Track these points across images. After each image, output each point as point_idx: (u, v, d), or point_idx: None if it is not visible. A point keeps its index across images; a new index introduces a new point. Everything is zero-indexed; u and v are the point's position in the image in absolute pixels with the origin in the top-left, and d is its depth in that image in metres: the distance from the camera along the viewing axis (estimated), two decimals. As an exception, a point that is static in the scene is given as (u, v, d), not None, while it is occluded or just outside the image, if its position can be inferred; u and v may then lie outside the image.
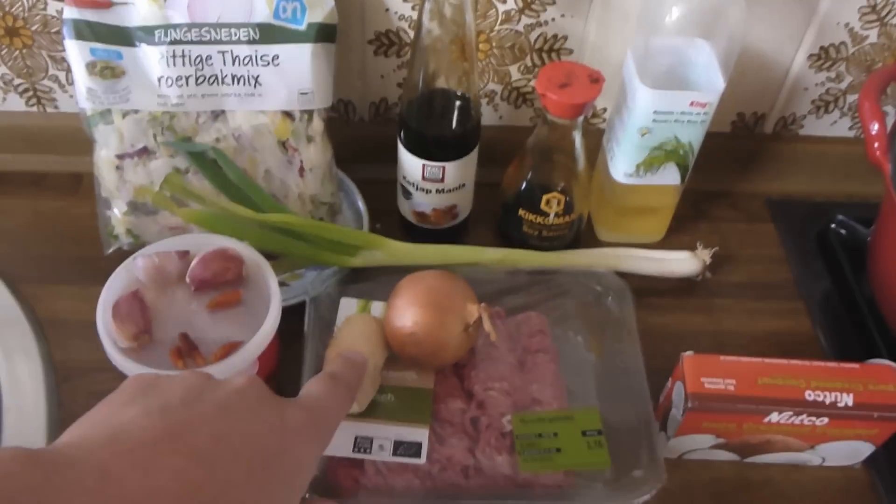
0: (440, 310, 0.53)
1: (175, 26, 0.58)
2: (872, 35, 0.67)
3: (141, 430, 0.30)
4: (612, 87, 0.64)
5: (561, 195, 0.63)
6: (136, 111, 0.59)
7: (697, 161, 0.64)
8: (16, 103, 0.72)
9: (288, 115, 0.61)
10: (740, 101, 0.73)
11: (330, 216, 0.66)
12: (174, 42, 0.58)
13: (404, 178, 0.64)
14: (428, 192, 0.63)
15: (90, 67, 0.58)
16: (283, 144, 0.61)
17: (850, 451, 0.55)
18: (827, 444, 0.54)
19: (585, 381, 0.57)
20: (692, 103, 0.58)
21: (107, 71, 0.58)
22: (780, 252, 0.71)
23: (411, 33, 0.67)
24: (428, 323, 0.52)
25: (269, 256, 0.54)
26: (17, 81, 0.70)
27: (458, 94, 0.60)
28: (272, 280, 0.51)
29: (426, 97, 0.60)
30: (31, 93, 0.71)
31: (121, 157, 0.60)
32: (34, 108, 0.73)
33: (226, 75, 0.59)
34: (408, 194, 0.64)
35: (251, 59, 0.59)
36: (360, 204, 0.68)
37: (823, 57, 0.69)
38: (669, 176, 0.64)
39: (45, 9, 0.65)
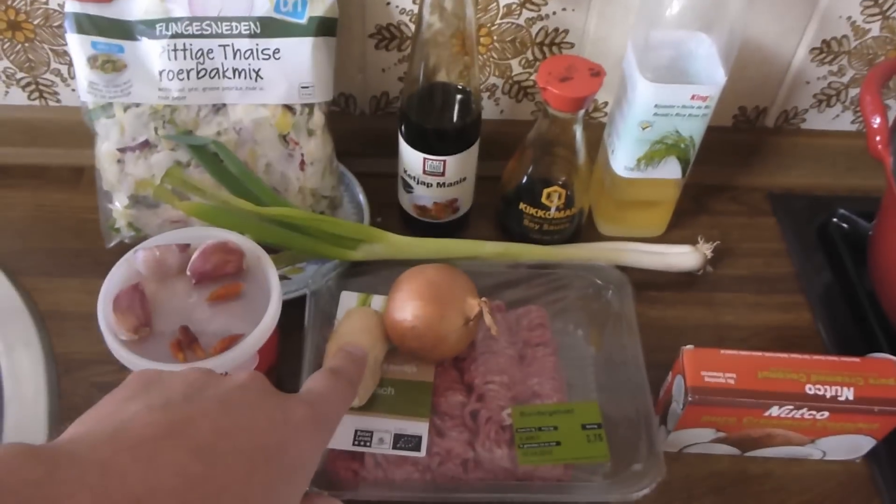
0: (440, 303, 0.53)
1: (176, 20, 0.58)
2: (874, 28, 0.67)
3: (143, 426, 0.30)
4: (613, 81, 0.64)
5: (562, 189, 0.63)
6: (138, 105, 0.60)
7: (699, 155, 0.64)
8: (18, 97, 0.72)
9: (289, 108, 0.61)
10: (742, 95, 0.73)
11: (331, 210, 0.66)
12: (175, 36, 0.58)
13: (405, 171, 0.64)
14: (429, 185, 0.63)
15: (91, 61, 0.58)
16: (284, 138, 0.61)
17: (850, 446, 0.55)
18: (827, 438, 0.54)
19: (585, 374, 0.58)
20: (693, 97, 0.58)
21: (108, 64, 0.58)
22: (782, 246, 0.71)
23: (412, 27, 0.67)
24: (428, 316, 0.52)
25: (271, 250, 0.54)
26: (19, 75, 0.71)
27: (459, 87, 0.60)
28: (272, 273, 0.51)
29: (427, 91, 0.60)
30: (33, 86, 0.72)
31: (122, 150, 0.60)
32: (36, 102, 0.73)
33: (227, 69, 0.59)
34: (409, 188, 0.64)
35: (252, 52, 0.59)
36: (361, 197, 0.68)
37: (825, 50, 0.69)
38: (670, 170, 0.63)
39: (46, 3, 0.65)
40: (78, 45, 0.58)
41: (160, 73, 0.59)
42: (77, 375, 0.59)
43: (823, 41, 0.68)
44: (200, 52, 0.58)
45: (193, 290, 0.51)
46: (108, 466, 0.28)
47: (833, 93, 0.73)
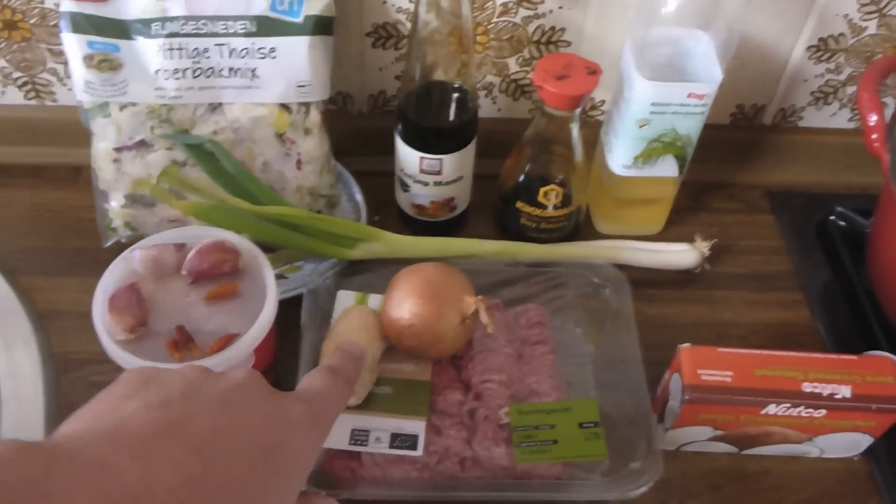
0: (438, 302, 0.53)
1: (172, 19, 0.58)
2: (872, 26, 0.67)
3: (142, 424, 0.30)
4: (610, 79, 0.64)
5: (559, 187, 0.63)
6: (134, 104, 0.59)
7: (697, 153, 0.64)
8: (15, 96, 0.72)
9: (285, 107, 0.61)
10: (740, 93, 0.73)
11: (328, 208, 0.66)
12: (171, 35, 0.58)
13: (402, 170, 0.64)
14: (426, 184, 0.63)
15: (88, 60, 0.58)
16: (281, 137, 0.61)
17: (848, 443, 0.55)
18: (825, 436, 0.54)
19: (584, 372, 0.58)
20: (690, 95, 0.58)
21: (104, 64, 0.58)
22: (780, 243, 0.71)
23: (409, 25, 0.67)
24: (426, 315, 0.52)
25: (268, 249, 0.54)
26: (15, 74, 0.70)
27: (456, 86, 0.60)
28: (269, 272, 0.51)
29: (423, 90, 0.60)
30: (29, 86, 0.71)
31: (119, 149, 0.60)
32: (33, 101, 0.73)
33: (223, 68, 0.59)
34: (406, 187, 0.64)
35: (248, 51, 0.59)
36: (359, 196, 0.68)
37: (823, 48, 0.69)
38: (668, 168, 0.63)
39: (43, 2, 0.65)
40: (74, 45, 0.58)
41: (156, 72, 0.59)
42: (75, 375, 0.58)
43: (821, 39, 0.68)
44: (196, 51, 0.58)
45: (190, 289, 0.51)
46: (107, 464, 0.28)
47: (830, 90, 0.73)
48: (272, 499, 0.32)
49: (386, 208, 0.69)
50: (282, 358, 0.55)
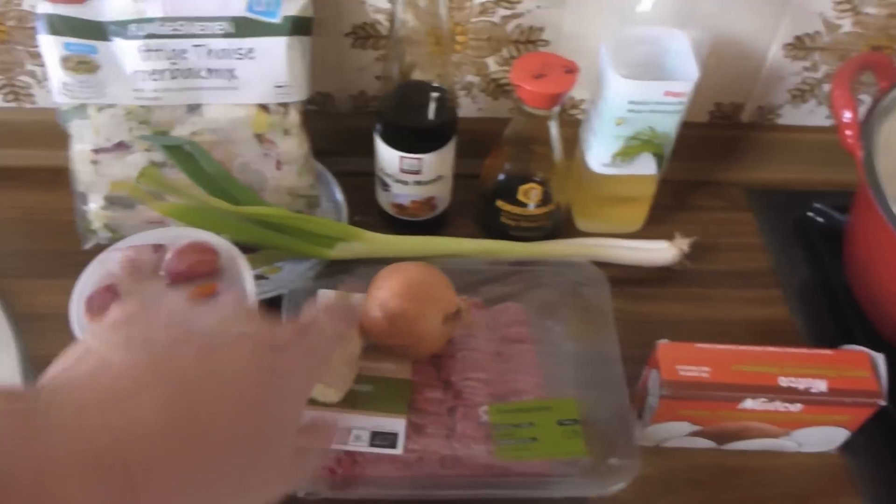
0: (418, 301, 0.53)
1: (150, 20, 0.58)
2: (846, 24, 0.67)
3: (122, 365, 0.30)
4: (590, 78, 0.64)
5: (538, 186, 0.64)
6: (112, 105, 0.59)
7: (677, 151, 0.64)
8: (-7, 99, 0.72)
9: (264, 108, 0.61)
10: (718, 91, 0.73)
11: (309, 209, 0.66)
12: (149, 36, 0.58)
13: (382, 170, 0.64)
14: (406, 183, 0.63)
15: (65, 62, 0.58)
16: (260, 137, 0.61)
17: (825, 437, 0.55)
18: (802, 430, 0.54)
19: (564, 370, 0.58)
20: (667, 93, 0.58)
21: (81, 65, 0.58)
22: (760, 240, 0.71)
23: (388, 25, 0.67)
24: (406, 314, 0.52)
25: (249, 250, 0.54)
26: (-7, 77, 0.70)
27: (434, 85, 0.60)
28: (247, 272, 0.51)
29: (402, 89, 0.60)
30: (8, 88, 0.71)
31: (97, 151, 0.60)
32: (12, 104, 0.72)
33: (201, 69, 0.59)
34: (386, 186, 0.65)
35: (226, 52, 0.59)
36: (339, 196, 0.68)
37: (799, 46, 0.69)
38: (646, 165, 0.64)
39: (20, 4, 0.64)
40: (51, 47, 0.58)
41: (134, 73, 0.59)
42: (54, 378, 0.58)
43: (797, 37, 0.69)
44: (174, 53, 0.58)
45: (168, 290, 0.51)
46: (87, 406, 0.28)
47: (807, 88, 0.73)
48: (263, 430, 0.32)
49: (368, 208, 0.69)
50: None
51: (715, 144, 0.76)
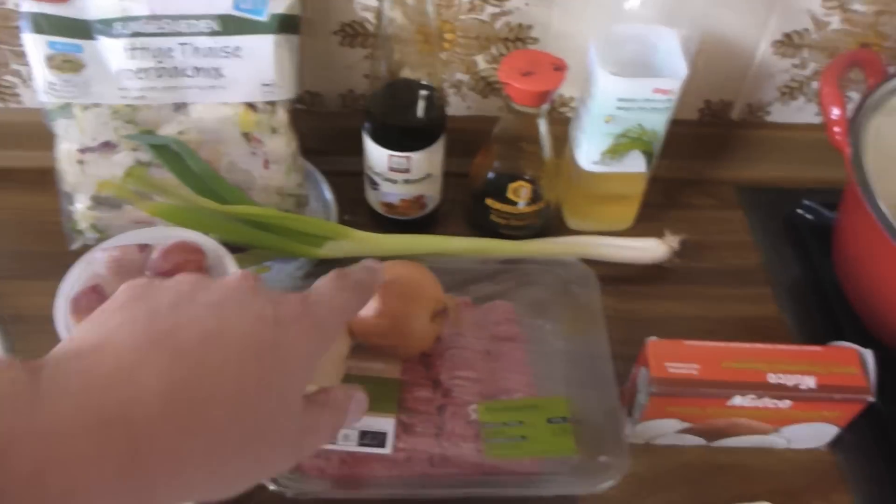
0: (407, 300, 0.53)
1: (135, 18, 0.57)
2: (835, 21, 0.68)
3: (126, 335, 0.31)
4: (579, 76, 0.64)
5: (528, 184, 0.63)
6: (98, 104, 0.59)
7: (667, 149, 0.64)
8: (-22, 99, 0.71)
9: (251, 106, 0.60)
10: (707, 89, 0.73)
11: (297, 208, 0.66)
12: (134, 34, 0.58)
13: (371, 168, 0.63)
14: (395, 182, 0.63)
15: (49, 61, 0.58)
16: (247, 136, 0.61)
17: (814, 434, 0.55)
18: (792, 427, 0.54)
19: (553, 368, 0.58)
20: (655, 90, 0.58)
21: (66, 64, 0.58)
22: (749, 238, 0.72)
23: (376, 23, 0.66)
24: (395, 313, 0.52)
25: (237, 249, 0.54)
26: (-21, 77, 0.70)
27: (423, 83, 0.60)
28: (234, 271, 0.51)
29: (390, 88, 0.60)
30: (-7, 88, 0.71)
31: (83, 150, 0.60)
32: (-2, 104, 0.72)
33: (187, 67, 0.59)
34: (375, 185, 0.64)
35: (213, 50, 0.58)
36: (328, 195, 0.67)
37: (787, 43, 0.69)
38: (635, 163, 0.64)
39: (4, 3, 0.64)
40: (35, 45, 0.57)
41: (120, 72, 0.58)
42: (40, 379, 0.58)
43: (785, 34, 0.69)
44: (160, 51, 0.58)
45: (155, 290, 0.50)
46: (92, 374, 0.29)
47: (796, 85, 0.73)
48: (266, 401, 0.32)
49: (357, 207, 0.69)
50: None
51: (704, 142, 0.76)
